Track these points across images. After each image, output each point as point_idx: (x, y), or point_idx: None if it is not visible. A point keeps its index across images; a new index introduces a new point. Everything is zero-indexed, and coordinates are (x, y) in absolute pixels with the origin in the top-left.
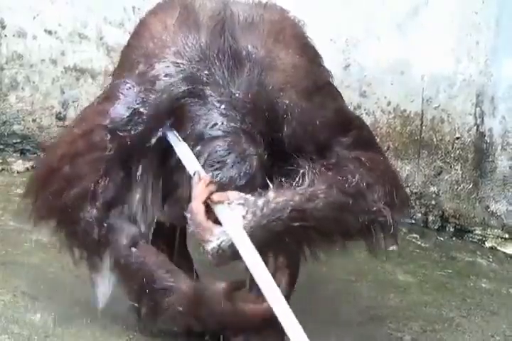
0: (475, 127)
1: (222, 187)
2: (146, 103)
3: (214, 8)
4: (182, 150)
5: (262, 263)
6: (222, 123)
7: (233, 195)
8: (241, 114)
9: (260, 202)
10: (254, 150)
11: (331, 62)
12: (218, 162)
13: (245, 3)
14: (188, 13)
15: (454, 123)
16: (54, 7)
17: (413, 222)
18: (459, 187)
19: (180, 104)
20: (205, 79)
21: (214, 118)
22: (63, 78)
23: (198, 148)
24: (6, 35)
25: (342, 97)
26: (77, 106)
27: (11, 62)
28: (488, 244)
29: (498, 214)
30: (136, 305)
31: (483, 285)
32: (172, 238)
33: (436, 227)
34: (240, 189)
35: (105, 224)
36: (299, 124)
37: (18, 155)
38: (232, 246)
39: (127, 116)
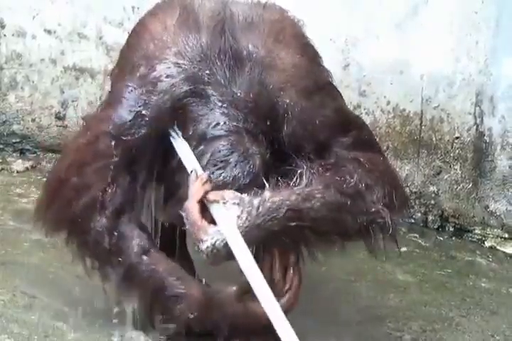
0: (474, 127)
1: (222, 186)
2: (148, 105)
3: (214, 8)
4: (181, 148)
5: (255, 263)
6: (225, 123)
7: (229, 194)
8: (243, 114)
9: (256, 201)
10: (257, 149)
11: (330, 61)
12: (221, 161)
13: (245, 3)
14: (188, 13)
15: (453, 123)
16: (53, 7)
17: (413, 221)
18: (459, 187)
19: (183, 104)
20: (206, 79)
21: (216, 118)
22: (63, 78)
23: (201, 147)
24: (5, 35)
25: (342, 97)
26: (76, 105)
27: (11, 61)
28: (487, 244)
29: (498, 213)
30: (147, 311)
31: (483, 284)
32: (172, 238)
33: (435, 227)
34: (243, 188)
35: (115, 233)
36: (299, 123)
37: (18, 154)
38: (226, 245)
39: (130, 120)
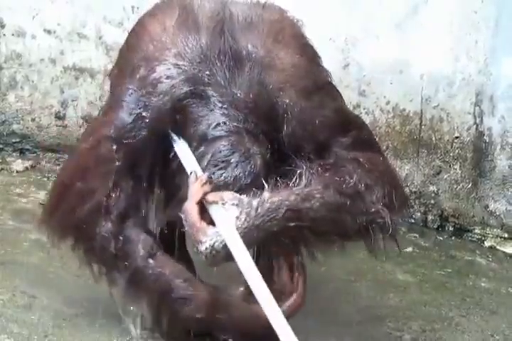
0: (474, 126)
1: (223, 186)
2: (148, 107)
3: (213, 9)
4: (181, 150)
5: (254, 265)
6: (225, 123)
7: (228, 195)
8: (243, 114)
9: (255, 202)
10: (258, 149)
11: (330, 61)
12: (222, 161)
13: (244, 3)
14: (187, 13)
15: (453, 123)
16: (53, 6)
17: (412, 221)
18: (458, 187)
19: (183, 106)
20: (206, 79)
21: (216, 119)
22: (62, 77)
23: (202, 148)
24: (5, 35)
25: (342, 97)
26: (76, 105)
27: (10, 61)
28: (487, 243)
29: (498, 213)
30: (154, 314)
31: (483, 284)
32: (171, 239)
33: (435, 226)
34: (245, 188)
35: (121, 238)
36: (299, 124)
37: (18, 154)
38: (225, 246)
39: (131, 123)
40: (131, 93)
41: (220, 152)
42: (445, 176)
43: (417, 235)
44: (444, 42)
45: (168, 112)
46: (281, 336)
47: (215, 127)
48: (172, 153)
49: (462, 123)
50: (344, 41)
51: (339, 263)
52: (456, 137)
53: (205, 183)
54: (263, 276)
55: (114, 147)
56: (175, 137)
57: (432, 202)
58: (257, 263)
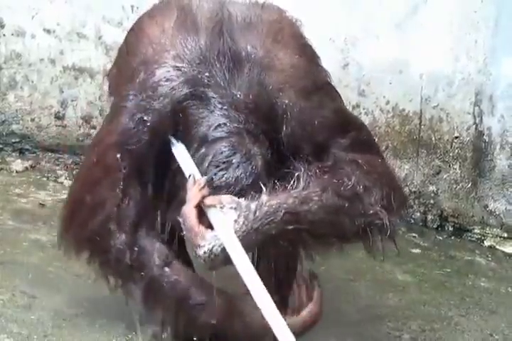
0: (474, 126)
1: (224, 187)
2: (148, 110)
3: (211, 9)
4: (180, 153)
5: (253, 268)
6: (226, 124)
7: (226, 198)
8: (243, 115)
9: (253, 205)
10: (258, 149)
11: (329, 61)
12: (223, 162)
13: (243, 3)
14: (186, 14)
15: (452, 123)
16: (53, 6)
17: (412, 221)
18: (458, 186)
19: (183, 107)
20: (206, 81)
21: (217, 120)
22: (62, 77)
23: (203, 149)
24: (4, 35)
25: (341, 98)
26: (75, 105)
27: (10, 61)
28: (486, 243)
29: (497, 213)
30: (171, 322)
31: (482, 284)
32: (171, 241)
33: (435, 226)
34: (246, 188)
35: (136, 248)
36: (298, 124)
37: (17, 154)
38: (224, 250)
39: (133, 128)
40: (132, 98)
41: (221, 153)
42: (445, 176)
43: (417, 235)
44: (444, 42)
45: (169, 114)
46: (279, 337)
47: (216, 128)
48: (172, 156)
49: (462, 122)
50: (344, 41)
51: (338, 262)
52: (456, 137)
53: (203, 187)
54: (262, 279)
55: (119, 155)
56: (173, 140)
57: (432, 201)
58: (255, 266)
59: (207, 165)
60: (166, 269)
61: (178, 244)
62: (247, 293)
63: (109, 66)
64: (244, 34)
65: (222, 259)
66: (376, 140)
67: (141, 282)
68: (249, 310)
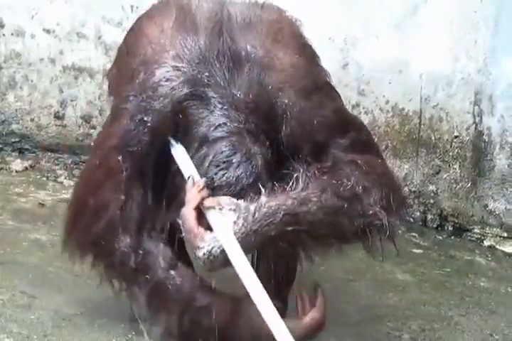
0: (473, 126)
1: (225, 186)
2: (149, 111)
3: (211, 9)
4: (179, 155)
5: (252, 269)
6: (226, 124)
7: (225, 200)
8: (243, 114)
9: (252, 207)
10: (259, 149)
11: (329, 61)
12: (224, 162)
13: (242, 3)
14: (185, 15)
15: (452, 122)
16: (52, 6)
17: (412, 220)
18: (458, 186)
19: (183, 107)
20: (205, 81)
21: (217, 120)
22: (62, 77)
23: (203, 149)
24: (4, 34)
25: (341, 98)
26: (75, 105)
27: (10, 61)
28: (486, 243)
29: (497, 212)
30: (175, 325)
31: (482, 283)
32: (172, 242)
33: (434, 226)
34: (247, 188)
35: (141, 251)
36: (298, 124)
37: (17, 154)
38: (223, 252)
39: (133, 129)
40: (132, 99)
41: (222, 152)
42: (444, 175)
43: (417, 234)
44: (444, 41)
45: (169, 115)
46: (278, 337)
47: (216, 128)
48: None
49: (461, 122)
50: (343, 41)
51: (338, 262)
52: (456, 136)
53: (203, 188)
54: (261, 281)
55: (120, 157)
56: (172, 142)
57: (432, 201)
58: (255, 267)
59: (207, 164)
60: (172, 272)
61: (178, 245)
62: (247, 294)
63: (108, 66)
64: (244, 34)
65: (221, 261)
66: (376, 139)
67: (146, 285)
68: (254, 313)
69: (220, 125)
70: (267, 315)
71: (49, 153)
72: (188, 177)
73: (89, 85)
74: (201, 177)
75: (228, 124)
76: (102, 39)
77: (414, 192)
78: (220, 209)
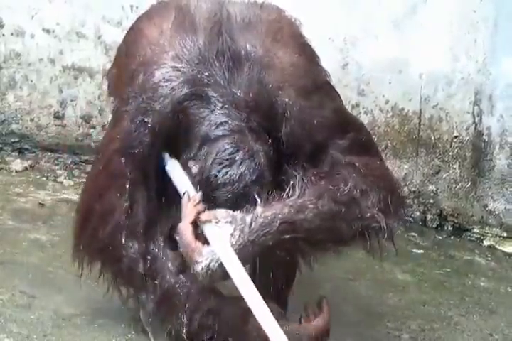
0: (473, 126)
1: (228, 184)
2: (149, 112)
3: (210, 10)
4: (173, 170)
5: (250, 281)
6: (227, 123)
7: (221, 213)
8: (244, 113)
9: (248, 218)
10: (261, 146)
11: (329, 60)
12: (227, 159)
13: (242, 3)
14: (184, 15)
15: (452, 122)
16: (52, 6)
17: (411, 220)
18: (457, 186)
19: (183, 107)
20: (205, 80)
21: (218, 118)
22: (61, 77)
23: (206, 148)
24: (4, 34)
25: (340, 98)
26: (75, 105)
27: (9, 60)
28: (486, 243)
29: (497, 212)
30: (183, 330)
31: (482, 283)
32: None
33: (434, 226)
34: (250, 185)
35: (149, 257)
36: (298, 123)
37: (17, 154)
38: (221, 265)
39: (134, 131)
40: (132, 101)
41: (224, 150)
42: (444, 175)
43: (416, 234)
44: (443, 41)
45: (170, 115)
46: None
47: (217, 127)
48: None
49: (461, 122)
50: (343, 41)
51: (338, 262)
52: (455, 136)
53: (198, 203)
54: (260, 288)
55: (123, 160)
56: (166, 157)
57: (431, 201)
58: (253, 279)
59: (210, 162)
60: (181, 276)
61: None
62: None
63: (108, 66)
64: (244, 33)
65: (220, 274)
66: (375, 139)
67: (155, 290)
68: None
69: (221, 123)
70: (267, 326)
71: (49, 153)
72: (184, 193)
73: (89, 85)
74: (196, 191)
75: (229, 122)
76: (101, 39)
77: (414, 192)
78: (217, 222)
